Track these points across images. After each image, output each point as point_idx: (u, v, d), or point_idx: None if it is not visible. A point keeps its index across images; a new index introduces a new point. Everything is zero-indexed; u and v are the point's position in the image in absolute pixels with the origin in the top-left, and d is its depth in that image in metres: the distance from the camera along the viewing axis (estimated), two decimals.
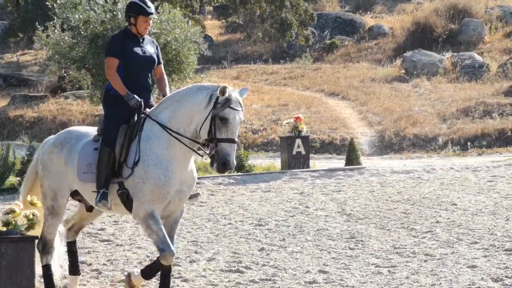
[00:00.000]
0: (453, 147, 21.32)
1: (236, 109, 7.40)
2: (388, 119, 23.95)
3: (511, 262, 8.88)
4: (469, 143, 21.54)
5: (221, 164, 7.33)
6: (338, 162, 19.21)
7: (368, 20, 36.95)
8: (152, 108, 7.78)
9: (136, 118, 7.72)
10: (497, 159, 19.11)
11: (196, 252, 9.96)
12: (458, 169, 17.44)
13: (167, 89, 8.01)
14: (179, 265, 9.19)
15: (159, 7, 18.92)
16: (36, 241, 7.56)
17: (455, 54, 29.60)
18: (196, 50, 19.15)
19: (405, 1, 39.77)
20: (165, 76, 8.11)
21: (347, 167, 17.38)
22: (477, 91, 25.64)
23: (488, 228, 10.90)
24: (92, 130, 8.05)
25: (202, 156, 7.74)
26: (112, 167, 7.59)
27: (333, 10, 38.65)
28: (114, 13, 18.32)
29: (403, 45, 32.55)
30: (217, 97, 7.37)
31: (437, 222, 11.50)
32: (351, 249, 9.85)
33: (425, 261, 9.19)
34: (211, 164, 7.44)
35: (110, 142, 7.63)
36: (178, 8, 21.61)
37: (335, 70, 30.77)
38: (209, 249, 10.12)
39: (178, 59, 18.57)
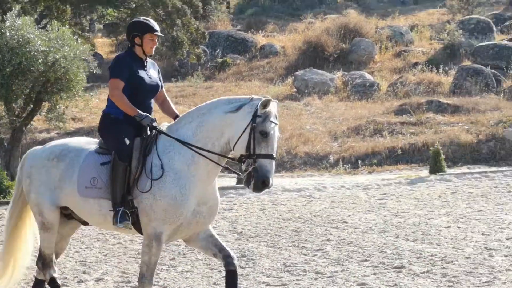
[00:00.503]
0: (344, 165, 21.64)
1: (276, 123, 7.08)
2: (280, 137, 24.04)
3: (400, 279, 9.02)
4: (359, 161, 21.92)
5: (261, 182, 6.91)
6: (230, 180, 19.22)
7: (259, 39, 37.24)
8: (170, 124, 7.48)
9: (148, 134, 7.40)
10: (387, 177, 19.50)
11: (84, 272, 9.80)
12: (349, 187, 17.71)
13: (175, 108, 7.79)
14: (66, 286, 8.97)
15: (48, 25, 18.50)
16: None
17: (346, 73, 30.14)
18: (85, 68, 18.87)
19: (297, 20, 40.32)
20: (168, 98, 7.89)
21: (238, 185, 17.40)
22: (368, 109, 26.15)
23: (378, 246, 11.05)
24: (91, 141, 7.77)
25: (239, 174, 7.37)
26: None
27: (224, 29, 38.79)
28: (2, 30, 17.85)
29: (295, 64, 32.94)
30: (256, 110, 7.00)
31: (328, 240, 11.61)
32: (241, 267, 9.82)
33: (316, 279, 9.24)
34: (247, 182, 7.00)
35: (126, 156, 7.23)
36: (67, 26, 21.24)
37: (227, 88, 30.84)
38: (97, 269, 9.96)
39: (67, 77, 18.25)
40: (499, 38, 32.87)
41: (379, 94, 27.92)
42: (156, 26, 7.64)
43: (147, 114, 7.40)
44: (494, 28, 33.97)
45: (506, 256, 10.05)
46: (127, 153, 7.23)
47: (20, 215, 8.01)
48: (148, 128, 7.32)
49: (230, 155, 7.17)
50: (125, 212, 7.13)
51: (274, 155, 7.00)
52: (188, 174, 7.10)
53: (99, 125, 7.65)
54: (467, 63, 29.74)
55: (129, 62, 7.49)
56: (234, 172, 7.59)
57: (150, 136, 7.33)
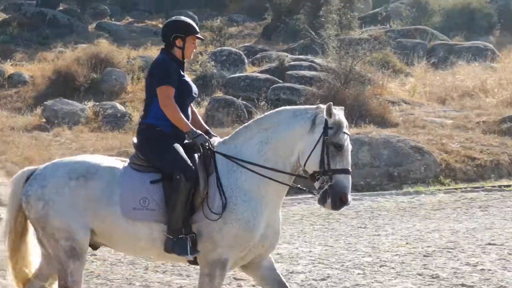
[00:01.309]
0: None
1: (349, 134, 6.61)
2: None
3: None
4: None
5: (339, 200, 6.47)
6: None
7: (8, 68, 35.86)
8: (224, 141, 6.87)
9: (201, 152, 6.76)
10: None
11: None
12: None
13: (203, 122, 7.22)
14: None
15: None
16: None
17: (97, 103, 29.66)
18: None
19: (46, 49, 39.31)
20: (194, 109, 7.29)
21: None
22: (119, 140, 25.83)
23: (127, 278, 10.79)
24: (109, 158, 7.03)
25: (313, 194, 6.72)
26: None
27: None
28: None
29: (44, 94, 31.98)
30: (326, 120, 6.51)
31: None
32: None
33: None
34: (322, 200, 6.54)
35: (193, 176, 6.53)
36: None
37: None
38: None
39: None
40: (250, 70, 33.88)
41: (131, 125, 27.71)
42: (197, 28, 7.09)
43: (201, 132, 6.81)
44: (246, 60, 34.99)
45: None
46: (194, 172, 6.56)
47: (19, 247, 6.99)
48: (202, 148, 6.72)
49: (301, 173, 6.73)
50: (185, 243, 6.50)
51: (350, 169, 6.57)
52: (258, 194, 6.60)
53: (141, 138, 6.93)
54: (219, 94, 30.33)
55: (175, 66, 6.87)
56: (308, 192, 6.96)
57: (207, 154, 6.72)
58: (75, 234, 6.66)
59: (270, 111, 6.94)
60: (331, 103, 6.65)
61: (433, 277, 10.12)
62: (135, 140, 7.10)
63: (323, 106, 6.68)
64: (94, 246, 7.05)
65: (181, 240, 6.53)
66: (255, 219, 6.55)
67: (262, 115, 6.92)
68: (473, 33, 43.30)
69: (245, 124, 6.95)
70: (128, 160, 7.03)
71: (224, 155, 6.69)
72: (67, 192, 6.71)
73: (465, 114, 27.11)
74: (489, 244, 12.02)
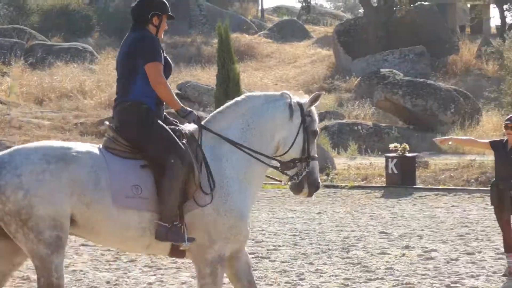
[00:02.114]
0: None
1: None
2: None
3: None
4: None
5: (315, 186, 6.58)
6: None
7: None
8: (207, 121, 6.56)
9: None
10: None
11: None
12: None
13: None
14: None
15: None
16: None
17: None
18: None
19: None
20: None
21: None
22: None
23: None
24: (83, 144, 6.44)
25: (294, 179, 6.55)
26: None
27: None
28: None
29: None
30: (302, 108, 6.55)
31: None
32: None
33: None
34: (298, 188, 6.53)
35: (190, 161, 6.22)
36: None
37: None
38: None
39: None
40: None
41: None
42: None
43: (192, 110, 6.49)
44: None
45: None
46: (190, 157, 6.24)
47: None
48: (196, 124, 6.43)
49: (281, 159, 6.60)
50: (184, 226, 6.17)
51: None
52: (247, 182, 6.44)
53: (126, 118, 6.38)
54: None
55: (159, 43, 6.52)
56: (277, 180, 7.01)
57: (194, 139, 6.43)
58: (63, 221, 6.09)
59: (240, 97, 6.70)
60: (322, 92, 6.93)
61: None
62: (108, 122, 6.64)
63: (288, 93, 6.69)
64: None
65: (176, 227, 6.21)
66: (246, 208, 6.41)
67: (233, 101, 6.66)
68: (73, 34, 43.38)
69: (218, 109, 6.69)
70: (100, 145, 6.51)
71: (222, 137, 6.47)
72: (48, 177, 6.09)
73: (63, 115, 26.92)
74: (82, 245, 11.87)
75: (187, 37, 44.99)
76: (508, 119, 10.09)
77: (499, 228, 10.28)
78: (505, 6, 46.09)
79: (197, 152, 6.39)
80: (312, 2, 55.37)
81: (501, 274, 9.89)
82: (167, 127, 6.39)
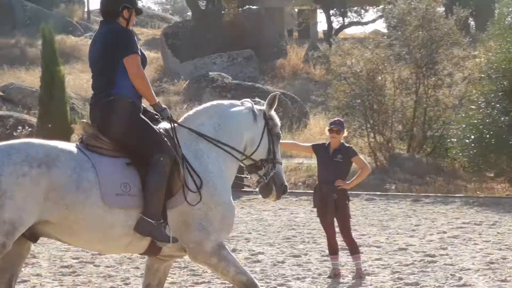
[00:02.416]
0: None
1: None
2: None
3: None
4: None
5: (282, 188, 6.94)
6: None
7: None
8: (184, 119, 6.76)
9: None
10: None
11: None
12: None
13: None
14: None
15: None
16: None
17: None
18: None
19: None
20: None
21: None
22: None
23: None
24: (62, 143, 6.33)
25: (262, 179, 6.90)
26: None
27: None
28: None
29: None
30: (264, 113, 6.96)
31: None
32: None
33: None
34: (267, 192, 6.91)
35: (175, 157, 6.35)
36: None
37: None
38: None
39: None
40: None
41: None
42: None
43: (165, 106, 6.63)
44: None
45: None
46: (174, 153, 6.39)
47: None
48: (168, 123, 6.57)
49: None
50: (167, 227, 6.28)
51: None
52: (227, 176, 6.71)
53: (110, 113, 6.38)
54: None
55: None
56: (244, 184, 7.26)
57: (170, 135, 6.52)
58: (18, 229, 6.05)
59: (207, 103, 6.98)
60: (278, 93, 7.17)
61: None
62: (84, 119, 6.52)
63: (249, 100, 7.01)
64: (34, 237, 6.40)
65: (161, 225, 6.27)
66: (231, 199, 6.65)
67: (201, 106, 6.97)
68: None
69: (188, 112, 6.92)
70: (77, 143, 6.49)
71: (200, 134, 6.65)
72: (28, 182, 6.06)
73: None
74: None
75: (10, 38, 43.58)
76: (332, 123, 10.28)
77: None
78: (331, 11, 47.41)
79: (176, 149, 6.50)
80: (140, 5, 54.92)
81: (326, 276, 10.05)
82: (151, 123, 6.50)
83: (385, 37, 24.46)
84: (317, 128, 27.62)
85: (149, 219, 6.23)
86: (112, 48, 6.49)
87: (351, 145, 10.84)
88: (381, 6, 31.71)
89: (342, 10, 47.97)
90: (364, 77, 22.69)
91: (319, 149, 10.35)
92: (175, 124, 6.62)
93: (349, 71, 22.92)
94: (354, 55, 23.19)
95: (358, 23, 49.59)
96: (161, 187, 6.30)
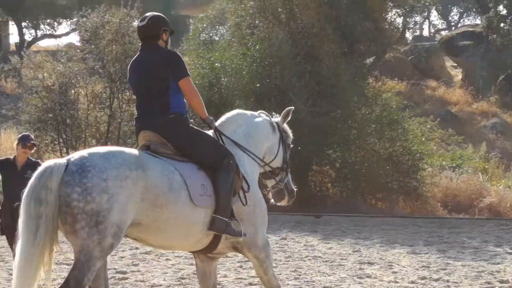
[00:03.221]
0: None
1: None
2: None
3: None
4: None
5: (293, 194, 7.75)
6: None
7: None
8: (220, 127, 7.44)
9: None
10: None
11: None
12: None
13: None
14: None
15: None
16: None
17: None
18: None
19: None
20: None
21: None
22: None
23: None
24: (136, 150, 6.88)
25: (279, 185, 7.75)
26: None
27: None
28: None
29: None
30: (278, 125, 7.77)
31: None
32: None
33: None
34: (279, 197, 7.71)
35: (235, 160, 7.14)
36: None
37: None
38: None
39: None
40: None
41: None
42: None
43: (212, 117, 7.32)
44: None
45: None
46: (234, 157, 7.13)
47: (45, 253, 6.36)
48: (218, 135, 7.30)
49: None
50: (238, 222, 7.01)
51: None
52: (255, 178, 7.41)
53: (175, 128, 7.01)
54: None
55: None
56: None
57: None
58: (123, 231, 6.51)
59: (229, 113, 7.62)
60: (292, 107, 7.91)
61: None
62: (151, 132, 7.02)
63: (263, 112, 7.82)
64: None
65: (233, 221, 6.95)
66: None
67: (225, 116, 7.54)
68: None
69: (218, 120, 7.47)
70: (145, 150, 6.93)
71: (235, 143, 7.35)
72: (130, 184, 6.49)
73: None
74: None
75: None
76: (24, 138, 9.99)
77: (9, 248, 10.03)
78: (23, 23, 46.20)
79: None
80: None
81: None
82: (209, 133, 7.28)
83: (78, 50, 24.22)
84: (8, 143, 26.75)
85: (223, 218, 6.92)
86: (166, 71, 7.04)
87: (38, 160, 10.54)
88: (74, 19, 31.43)
89: (35, 22, 46.91)
90: (57, 91, 22.32)
91: (4, 165, 9.98)
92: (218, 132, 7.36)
93: (41, 84, 22.43)
94: (46, 68, 22.73)
95: (51, 36, 48.71)
96: (231, 187, 7.03)
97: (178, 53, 7.27)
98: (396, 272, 11.23)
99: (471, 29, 44.35)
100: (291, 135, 7.97)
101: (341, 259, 12.52)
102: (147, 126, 7.05)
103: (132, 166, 6.53)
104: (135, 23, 26.19)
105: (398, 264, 11.95)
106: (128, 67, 7.31)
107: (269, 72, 20.39)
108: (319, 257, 12.74)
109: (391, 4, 24.66)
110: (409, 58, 43.14)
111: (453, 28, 60.04)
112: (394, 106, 20.73)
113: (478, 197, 19.92)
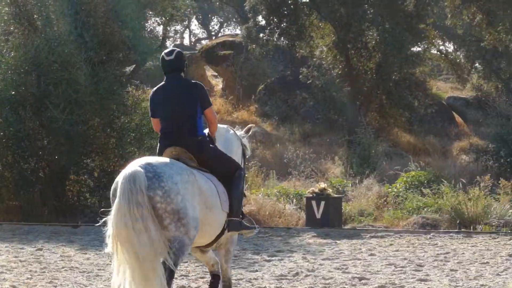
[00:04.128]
0: None
1: None
2: None
3: None
4: None
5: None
6: None
7: None
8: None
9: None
10: None
11: None
12: None
13: None
14: None
15: None
16: None
17: None
18: None
19: None
20: None
21: None
22: None
23: None
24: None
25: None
26: None
27: None
28: None
29: None
30: (239, 138, 9.63)
31: None
32: None
33: None
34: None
35: (244, 173, 8.92)
36: None
37: None
38: None
39: None
40: None
41: None
42: None
43: None
44: None
45: None
46: None
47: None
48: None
49: None
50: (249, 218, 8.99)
51: None
52: None
53: (206, 148, 8.47)
54: None
55: None
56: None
57: None
58: (199, 225, 7.83)
59: (219, 125, 9.07)
60: (253, 125, 10.07)
61: None
62: (180, 148, 8.33)
63: (230, 127, 9.57)
64: None
65: (244, 219, 8.70)
66: None
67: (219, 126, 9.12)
68: None
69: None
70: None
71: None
72: (190, 187, 7.80)
73: None
74: None
75: None
76: None
77: None
78: None
79: None
80: None
81: None
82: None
83: None
84: None
85: (237, 219, 8.48)
86: (195, 100, 8.48)
87: None
88: None
89: None
90: None
91: None
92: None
93: None
94: None
95: None
96: (242, 193, 8.62)
97: (201, 83, 8.79)
98: None
99: (231, 39, 45.76)
100: (249, 149, 9.69)
101: (98, 269, 12.56)
102: (176, 144, 8.36)
103: (188, 172, 7.91)
104: None
105: None
106: (153, 94, 8.58)
107: (24, 79, 20.05)
108: (76, 267, 12.71)
109: (151, 13, 25.00)
110: None
111: (214, 37, 61.56)
112: None
113: None
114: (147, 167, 7.54)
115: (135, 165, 7.54)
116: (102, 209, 7.71)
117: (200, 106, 8.47)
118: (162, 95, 8.51)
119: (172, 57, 8.58)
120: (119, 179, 7.47)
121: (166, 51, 8.74)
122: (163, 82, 8.59)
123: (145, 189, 7.40)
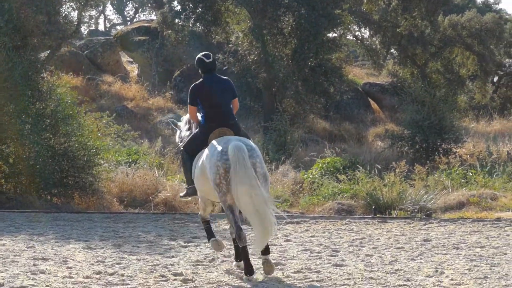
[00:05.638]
0: None
1: None
2: None
3: None
4: None
5: None
6: None
7: None
8: None
9: None
10: None
11: None
12: None
13: None
14: None
15: None
16: None
17: None
18: None
19: None
20: None
21: None
22: None
23: None
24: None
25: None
26: None
27: None
28: None
29: None
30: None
31: None
32: None
33: None
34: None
35: None
36: None
37: None
38: None
39: None
40: None
41: None
42: None
43: None
44: None
45: None
46: None
47: None
48: None
49: None
50: None
51: None
52: None
53: (239, 127, 11.13)
54: None
55: None
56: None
57: None
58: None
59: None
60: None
61: None
62: (227, 129, 10.98)
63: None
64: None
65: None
66: None
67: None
68: None
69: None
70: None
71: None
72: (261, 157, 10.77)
73: None
74: None
75: None
76: None
77: None
78: None
79: None
80: None
81: None
82: None
83: None
84: None
85: None
86: (231, 91, 11.08)
87: None
88: None
89: None
90: None
91: None
92: None
93: None
94: None
95: None
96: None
97: (229, 79, 11.25)
98: (71, 268, 11.48)
99: (146, 25, 45.61)
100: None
101: (14, 255, 12.58)
102: (223, 125, 10.86)
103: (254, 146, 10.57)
104: None
105: (73, 260, 12.21)
106: (197, 88, 11.02)
107: None
108: None
109: None
110: (85, 52, 43.44)
111: (129, 23, 61.18)
112: (69, 101, 20.88)
113: (154, 192, 20.57)
114: (246, 142, 10.47)
115: (233, 140, 10.38)
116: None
117: (233, 97, 11.08)
118: (205, 90, 10.98)
119: (210, 60, 11.15)
120: (228, 150, 10.22)
121: (203, 54, 11.19)
122: (201, 79, 11.07)
123: (248, 157, 10.20)
